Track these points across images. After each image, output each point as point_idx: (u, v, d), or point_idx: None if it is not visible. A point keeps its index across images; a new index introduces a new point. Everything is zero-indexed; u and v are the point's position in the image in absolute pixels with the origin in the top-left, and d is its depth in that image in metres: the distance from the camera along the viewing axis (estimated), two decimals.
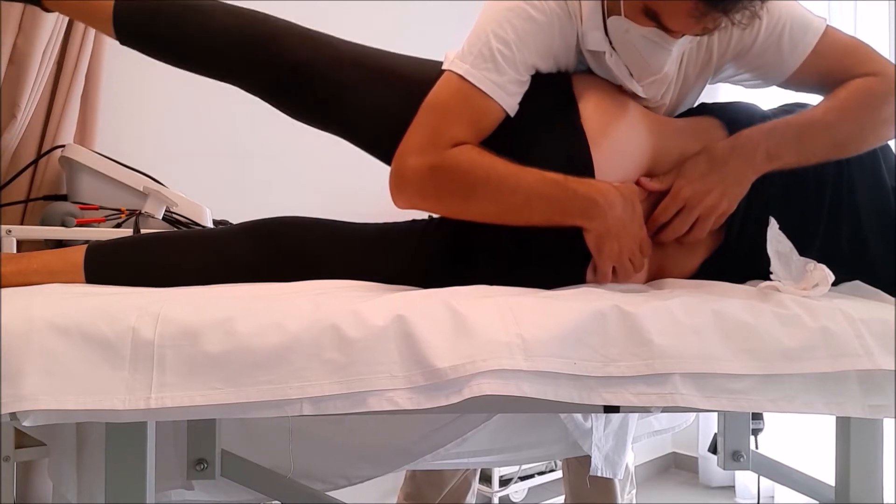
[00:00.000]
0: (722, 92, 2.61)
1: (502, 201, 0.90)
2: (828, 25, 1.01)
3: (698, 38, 0.99)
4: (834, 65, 1.01)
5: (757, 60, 1.03)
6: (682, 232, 0.97)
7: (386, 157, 0.99)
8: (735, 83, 1.12)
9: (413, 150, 0.92)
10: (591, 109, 0.98)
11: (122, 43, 1.12)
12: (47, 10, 1.17)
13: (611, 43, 0.98)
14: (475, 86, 0.92)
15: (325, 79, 1.05)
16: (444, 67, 0.96)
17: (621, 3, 0.93)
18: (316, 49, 1.06)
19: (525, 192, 0.89)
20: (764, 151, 0.96)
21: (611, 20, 0.96)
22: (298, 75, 1.05)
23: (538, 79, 0.98)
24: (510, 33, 0.93)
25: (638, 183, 0.98)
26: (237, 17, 1.08)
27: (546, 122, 0.98)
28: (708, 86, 1.12)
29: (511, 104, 0.95)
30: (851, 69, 1.00)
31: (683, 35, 0.93)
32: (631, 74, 1.00)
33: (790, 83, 1.05)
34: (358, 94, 1.04)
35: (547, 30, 0.96)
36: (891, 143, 1.07)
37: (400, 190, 0.95)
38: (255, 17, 1.08)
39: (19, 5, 1.50)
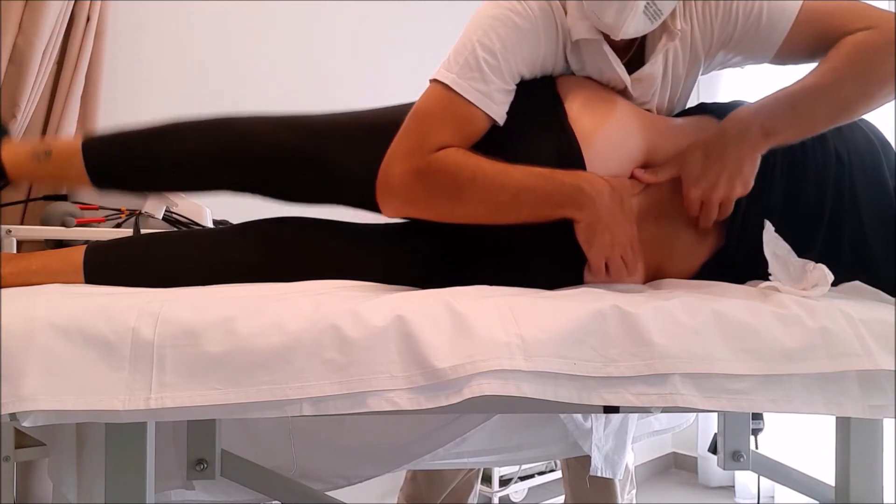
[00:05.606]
0: (722, 91, 2.63)
1: (490, 200, 0.90)
2: None
3: (678, 38, 0.99)
4: (823, 29, 0.97)
5: (741, 45, 1.02)
6: (712, 221, 0.97)
7: None
8: (729, 67, 1.11)
9: (398, 157, 0.92)
10: (578, 109, 0.98)
11: (101, 190, 1.10)
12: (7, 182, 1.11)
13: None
14: (462, 95, 0.92)
15: (312, 155, 1.04)
16: (430, 78, 0.96)
17: None
18: (292, 131, 1.05)
19: (513, 187, 0.89)
20: (758, 127, 0.93)
21: None
22: (284, 161, 1.04)
23: (522, 83, 0.98)
24: (496, 42, 0.93)
25: (632, 175, 0.98)
26: (205, 128, 1.07)
27: (534, 125, 0.98)
28: (708, 84, 1.11)
29: (499, 112, 0.95)
30: (843, 28, 0.96)
31: None
32: (621, 61, 0.99)
33: (781, 58, 1.02)
34: (347, 158, 1.03)
35: (532, 37, 0.96)
36: (891, 142, 1.06)
37: (387, 197, 0.94)
38: (224, 122, 1.07)
39: (19, 4, 1.51)
